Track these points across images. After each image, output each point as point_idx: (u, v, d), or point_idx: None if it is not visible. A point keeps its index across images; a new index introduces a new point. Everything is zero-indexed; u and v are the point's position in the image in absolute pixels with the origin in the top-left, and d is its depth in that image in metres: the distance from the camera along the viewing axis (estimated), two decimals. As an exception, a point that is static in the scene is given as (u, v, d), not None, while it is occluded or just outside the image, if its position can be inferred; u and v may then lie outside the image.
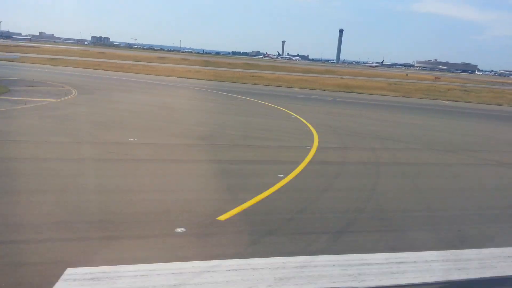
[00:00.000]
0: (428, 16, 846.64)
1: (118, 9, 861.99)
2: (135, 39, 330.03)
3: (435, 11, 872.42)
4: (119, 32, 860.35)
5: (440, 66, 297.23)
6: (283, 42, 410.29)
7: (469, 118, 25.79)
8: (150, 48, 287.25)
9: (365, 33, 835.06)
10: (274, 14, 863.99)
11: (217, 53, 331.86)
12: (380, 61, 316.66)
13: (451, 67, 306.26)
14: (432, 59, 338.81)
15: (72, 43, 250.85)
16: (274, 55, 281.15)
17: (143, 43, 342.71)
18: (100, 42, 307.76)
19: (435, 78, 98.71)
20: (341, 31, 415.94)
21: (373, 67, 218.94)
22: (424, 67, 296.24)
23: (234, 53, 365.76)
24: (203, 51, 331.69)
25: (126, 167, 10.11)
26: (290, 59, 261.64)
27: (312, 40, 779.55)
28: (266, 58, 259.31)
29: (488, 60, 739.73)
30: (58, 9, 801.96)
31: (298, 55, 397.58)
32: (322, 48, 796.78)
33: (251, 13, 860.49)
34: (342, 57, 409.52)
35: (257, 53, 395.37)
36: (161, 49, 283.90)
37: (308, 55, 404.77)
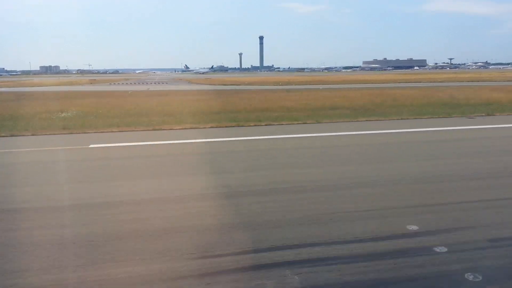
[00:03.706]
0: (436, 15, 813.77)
1: (68, 37, 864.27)
2: (90, 65, 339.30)
3: (445, 10, 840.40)
4: (70, 59, 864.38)
5: (373, 65, 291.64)
6: (240, 54, 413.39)
7: None
8: (116, 72, 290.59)
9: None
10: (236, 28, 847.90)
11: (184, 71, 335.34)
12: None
13: (393, 64, 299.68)
14: (381, 58, 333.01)
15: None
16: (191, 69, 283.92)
17: (99, 68, 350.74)
18: (49, 71, 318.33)
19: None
20: (261, 38, 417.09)
21: (201, 73, 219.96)
22: (366, 68, 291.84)
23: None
24: (175, 70, 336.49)
25: None
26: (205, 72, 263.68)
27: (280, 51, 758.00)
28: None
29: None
30: (4, 43, 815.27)
31: (263, 66, 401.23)
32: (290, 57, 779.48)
33: (212, 30, 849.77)
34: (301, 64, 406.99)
35: (221, 68, 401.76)
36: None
37: (273, 65, 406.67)
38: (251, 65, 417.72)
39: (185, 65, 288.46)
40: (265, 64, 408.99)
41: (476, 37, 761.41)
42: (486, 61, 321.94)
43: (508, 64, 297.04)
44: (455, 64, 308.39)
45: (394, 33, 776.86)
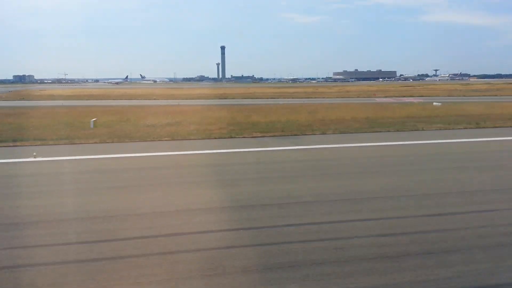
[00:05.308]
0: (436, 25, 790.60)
1: (41, 45, 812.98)
2: (66, 74, 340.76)
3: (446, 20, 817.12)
4: (45, 68, 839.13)
5: (338, 76, 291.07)
6: (218, 64, 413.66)
7: None
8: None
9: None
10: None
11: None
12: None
13: (364, 75, 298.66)
14: (353, 69, 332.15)
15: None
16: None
17: (75, 78, 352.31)
18: (23, 80, 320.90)
19: None
20: (222, 48, 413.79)
21: (115, 83, 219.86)
22: (333, 78, 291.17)
23: (185, 79, 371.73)
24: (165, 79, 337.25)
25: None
26: (155, 82, 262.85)
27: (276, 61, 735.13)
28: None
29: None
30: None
31: (242, 76, 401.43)
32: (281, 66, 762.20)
33: (201, 39, 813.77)
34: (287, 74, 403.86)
35: (201, 78, 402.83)
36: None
37: (253, 75, 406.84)
38: (231, 75, 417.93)
39: (140, 74, 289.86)
40: (245, 74, 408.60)
41: (472, 48, 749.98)
42: (460, 72, 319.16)
43: (492, 76, 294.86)
44: (421, 75, 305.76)
45: (389, 44, 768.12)
